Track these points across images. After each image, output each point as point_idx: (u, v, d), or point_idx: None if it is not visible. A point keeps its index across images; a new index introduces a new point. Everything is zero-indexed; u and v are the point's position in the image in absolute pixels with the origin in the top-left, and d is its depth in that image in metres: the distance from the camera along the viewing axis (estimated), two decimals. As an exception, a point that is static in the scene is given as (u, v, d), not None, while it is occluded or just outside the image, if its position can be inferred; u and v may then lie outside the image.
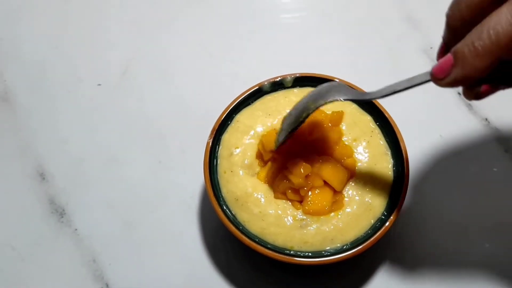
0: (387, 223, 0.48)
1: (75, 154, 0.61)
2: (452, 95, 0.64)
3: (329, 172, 0.49)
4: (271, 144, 0.50)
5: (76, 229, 0.57)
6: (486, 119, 0.62)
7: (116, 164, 0.61)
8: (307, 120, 0.50)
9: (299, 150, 0.50)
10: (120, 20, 0.72)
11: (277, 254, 0.47)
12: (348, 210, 0.50)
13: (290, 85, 0.56)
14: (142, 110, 0.64)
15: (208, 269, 0.55)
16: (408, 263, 0.54)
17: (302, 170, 0.48)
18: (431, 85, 0.64)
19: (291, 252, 0.48)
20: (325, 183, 0.49)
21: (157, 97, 0.65)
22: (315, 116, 0.51)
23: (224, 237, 0.56)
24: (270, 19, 0.72)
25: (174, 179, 0.60)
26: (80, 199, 0.59)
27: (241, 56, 0.68)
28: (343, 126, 0.54)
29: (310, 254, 0.48)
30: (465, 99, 0.61)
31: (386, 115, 0.53)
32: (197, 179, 0.58)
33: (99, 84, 0.66)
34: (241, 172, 0.51)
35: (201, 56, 0.69)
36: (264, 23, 0.71)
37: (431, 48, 0.67)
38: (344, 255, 0.47)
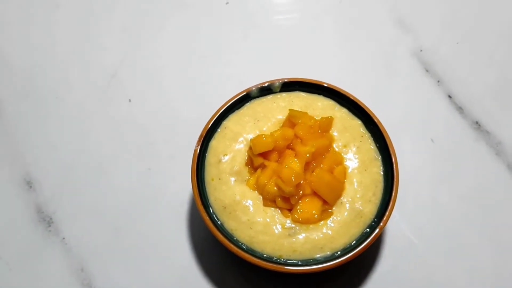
0: (377, 230, 0.48)
1: (64, 161, 0.61)
2: (443, 99, 0.64)
3: (323, 187, 0.48)
4: (261, 148, 0.49)
5: (64, 238, 0.56)
6: (477, 123, 0.62)
7: (105, 171, 0.60)
8: (298, 127, 0.50)
9: (291, 158, 0.50)
10: (109, 25, 0.71)
11: (264, 262, 0.46)
12: (338, 218, 0.49)
13: (278, 90, 0.55)
14: (132, 116, 0.64)
15: (197, 278, 0.54)
16: (399, 270, 0.54)
17: (293, 179, 0.48)
18: (421, 88, 0.65)
19: (280, 260, 0.47)
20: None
21: (147, 103, 0.65)
22: (305, 122, 0.51)
23: (214, 245, 0.55)
24: (261, 24, 0.71)
25: (164, 186, 0.59)
26: (68, 207, 0.58)
27: (231, 61, 0.68)
28: (334, 132, 0.53)
29: (299, 262, 0.47)
30: (456, 102, 0.61)
31: (375, 120, 0.52)
32: (187, 186, 0.57)
33: (88, 92, 0.65)
34: (230, 179, 0.51)
35: (191, 61, 0.68)
36: (255, 28, 0.71)
37: (421, 50, 0.67)
38: (333, 263, 0.46)
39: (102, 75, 0.67)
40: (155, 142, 0.62)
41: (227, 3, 0.72)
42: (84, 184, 0.59)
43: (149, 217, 0.57)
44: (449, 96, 0.64)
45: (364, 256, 0.54)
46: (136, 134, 0.62)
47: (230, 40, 0.70)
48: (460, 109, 0.63)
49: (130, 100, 0.65)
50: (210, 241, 0.55)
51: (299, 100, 0.54)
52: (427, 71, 0.66)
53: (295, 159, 0.49)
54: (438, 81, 0.65)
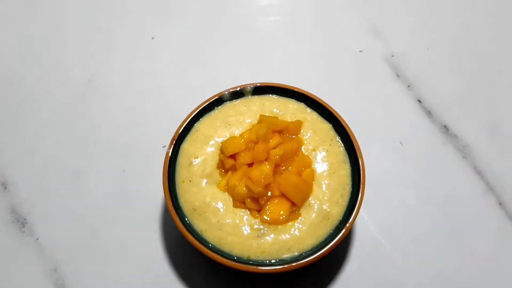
0: (343, 231, 0.49)
1: (39, 163, 0.61)
2: (413, 103, 0.65)
3: (290, 188, 0.49)
4: (232, 149, 0.50)
5: (37, 239, 0.57)
6: (445, 126, 0.63)
7: (80, 173, 0.61)
8: (268, 130, 0.51)
9: (261, 160, 0.51)
10: (86, 30, 0.72)
11: (233, 262, 0.47)
12: (306, 219, 0.50)
13: (250, 94, 0.56)
14: (106, 119, 0.64)
15: (171, 279, 0.55)
16: (367, 269, 0.55)
17: (262, 180, 0.49)
18: (392, 92, 0.66)
19: (248, 261, 0.48)
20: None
21: (122, 106, 0.65)
22: (277, 125, 0.52)
23: (186, 246, 0.56)
24: (237, 29, 0.72)
25: (138, 188, 0.60)
26: (42, 208, 0.59)
27: (205, 66, 0.69)
28: (306, 135, 0.54)
29: (266, 262, 0.48)
30: (425, 106, 0.63)
31: (343, 124, 0.54)
32: (161, 188, 0.57)
33: (64, 94, 0.66)
34: (201, 181, 0.51)
35: (166, 65, 0.69)
36: (229, 33, 0.72)
37: (392, 56, 0.68)
38: (300, 263, 0.47)
39: (78, 78, 0.67)
40: (130, 144, 0.62)
41: (202, 8, 0.73)
42: (59, 186, 0.60)
43: (123, 218, 0.58)
44: (419, 101, 0.65)
45: (332, 256, 0.55)
46: (111, 137, 0.63)
47: (205, 44, 0.70)
48: (429, 113, 0.64)
49: (105, 104, 0.65)
50: (182, 242, 0.56)
51: (271, 103, 0.56)
52: (397, 76, 0.67)
53: (265, 162, 0.50)
54: (408, 86, 0.66)
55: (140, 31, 0.71)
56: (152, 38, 0.71)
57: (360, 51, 0.68)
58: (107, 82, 0.67)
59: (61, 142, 0.63)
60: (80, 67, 0.68)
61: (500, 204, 0.58)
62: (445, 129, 0.63)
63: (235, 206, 0.51)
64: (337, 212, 0.51)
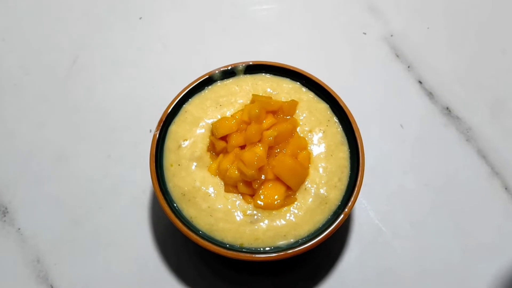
0: (342, 216, 0.46)
1: (21, 149, 0.58)
2: (413, 85, 0.62)
3: (285, 171, 0.47)
4: (223, 131, 0.48)
5: (19, 228, 0.54)
6: (447, 108, 0.61)
7: (64, 159, 0.58)
8: (261, 110, 0.48)
9: (253, 142, 0.48)
10: (69, 9, 0.68)
11: (224, 250, 0.45)
12: (302, 204, 0.47)
13: (242, 73, 0.53)
14: (92, 102, 0.61)
15: (159, 268, 0.52)
16: (366, 257, 0.53)
17: (255, 162, 0.46)
18: (392, 73, 0.64)
19: (241, 248, 0.46)
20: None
21: (108, 88, 0.62)
22: (271, 105, 0.49)
23: (176, 234, 0.53)
24: (229, 8, 0.69)
25: (125, 173, 0.57)
26: (24, 196, 0.56)
27: (196, 46, 0.66)
28: (301, 116, 0.51)
29: (260, 249, 0.46)
30: (426, 88, 0.60)
31: (341, 103, 0.51)
32: (149, 173, 0.54)
33: (47, 78, 0.63)
34: (190, 165, 0.49)
35: (155, 46, 0.66)
36: (221, 12, 0.69)
37: (391, 36, 0.66)
38: (296, 250, 0.45)
39: (63, 61, 0.64)
40: (115, 128, 0.60)
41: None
42: (41, 173, 0.57)
43: (109, 206, 0.55)
44: (419, 82, 0.63)
45: (330, 243, 0.53)
46: (96, 121, 0.60)
47: (196, 24, 0.67)
48: (430, 94, 0.62)
49: (90, 85, 0.62)
50: (172, 230, 0.53)
51: (264, 82, 0.53)
52: (397, 56, 0.65)
53: (258, 144, 0.48)
54: (409, 67, 0.64)
55: (128, 11, 0.68)
56: (140, 18, 0.68)
57: (364, 33, 0.65)
58: (93, 64, 0.64)
59: (44, 126, 0.60)
60: (65, 49, 0.65)
61: (506, 188, 0.56)
62: (447, 110, 0.61)
63: (226, 190, 0.48)
64: (335, 196, 0.48)
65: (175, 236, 0.53)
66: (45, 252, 0.53)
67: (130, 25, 0.67)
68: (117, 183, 0.56)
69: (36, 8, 0.69)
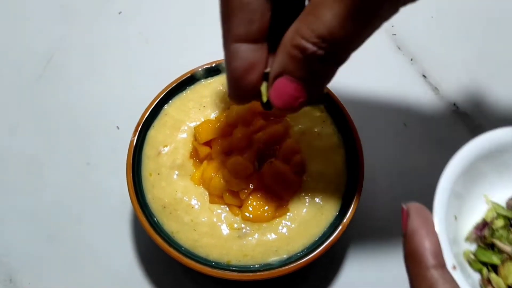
0: (340, 228, 0.42)
1: (-11, 157, 0.54)
2: (417, 79, 0.58)
3: (276, 179, 0.43)
4: (206, 135, 0.44)
5: (-11, 245, 0.50)
6: (455, 104, 0.57)
7: (37, 167, 0.54)
8: (249, 112, 0.45)
9: (240, 147, 0.44)
10: (43, 4, 0.64)
11: (209, 269, 0.41)
12: (295, 215, 0.43)
13: (228, 71, 0.49)
14: (68, 105, 0.57)
15: (142, 284, 0.48)
16: (367, 273, 0.49)
17: (243, 170, 0.43)
18: (393, 67, 0.60)
19: (228, 266, 0.41)
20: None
21: (85, 90, 0.58)
22: (257, 107, 0.45)
23: (157, 248, 0.49)
24: (211, 0, 0.65)
25: (104, 183, 0.53)
26: (-6, 209, 0.52)
27: (178, 44, 0.61)
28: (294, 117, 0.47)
29: (250, 267, 0.42)
30: (431, 82, 0.56)
31: (337, 102, 0.47)
32: None
33: (18, 78, 0.59)
34: (171, 174, 0.45)
35: (134, 43, 0.61)
36: (205, 5, 0.64)
37: (392, 26, 0.61)
38: (289, 267, 0.41)
39: (36, 60, 0.60)
40: (94, 133, 0.56)
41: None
42: (13, 183, 0.53)
43: (87, 218, 0.52)
44: (424, 76, 0.59)
45: (326, 258, 0.49)
46: (73, 125, 0.56)
47: (179, 19, 0.63)
48: (435, 89, 0.58)
49: (66, 87, 0.59)
50: (154, 245, 0.49)
51: (251, 81, 0.48)
52: (399, 48, 0.61)
53: (246, 149, 0.44)
54: (411, 60, 0.60)
55: (106, 5, 0.64)
56: (119, 13, 0.63)
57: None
58: (68, 63, 0.60)
59: (15, 131, 0.56)
60: (38, 47, 0.61)
61: (520, 191, 0.51)
62: (455, 107, 0.56)
63: (211, 202, 0.44)
64: (332, 205, 0.44)
65: (158, 252, 0.49)
66: (18, 270, 0.49)
67: (109, 20, 0.63)
68: (96, 193, 0.53)
69: (6, 2, 0.64)
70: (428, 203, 0.50)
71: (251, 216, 0.43)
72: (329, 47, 0.28)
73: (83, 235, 0.51)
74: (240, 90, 0.33)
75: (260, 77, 0.32)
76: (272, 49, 0.32)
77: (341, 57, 0.29)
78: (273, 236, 0.42)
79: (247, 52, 0.32)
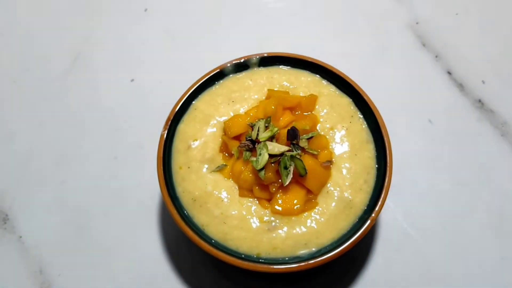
0: (368, 222, 0.42)
1: (21, 151, 0.55)
2: (442, 76, 0.58)
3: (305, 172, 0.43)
4: (236, 130, 0.44)
5: (20, 236, 0.51)
6: (480, 101, 0.56)
7: (67, 161, 0.55)
8: (278, 107, 0.45)
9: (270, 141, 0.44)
10: (70, 2, 0.65)
11: (239, 261, 0.41)
12: (324, 209, 0.43)
13: (256, 66, 0.49)
14: (96, 100, 0.58)
15: (170, 278, 0.49)
16: (394, 265, 0.49)
17: (272, 163, 0.43)
18: (418, 64, 0.59)
19: (258, 259, 0.42)
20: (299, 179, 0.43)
21: (113, 85, 0.59)
22: (288, 101, 0.46)
23: (186, 242, 0.49)
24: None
25: (132, 177, 0.54)
26: (25, 202, 0.53)
27: (207, 40, 0.62)
28: (322, 112, 0.47)
29: (279, 259, 0.42)
30: (456, 79, 0.56)
31: (366, 97, 0.47)
32: (157, 176, 0.52)
33: (48, 75, 0.60)
34: (201, 167, 0.45)
35: (161, 39, 0.62)
36: (230, 1, 0.65)
37: (417, 23, 0.61)
38: (319, 261, 0.41)
39: (64, 56, 0.61)
40: (122, 128, 0.56)
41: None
42: (43, 176, 0.54)
43: (115, 211, 0.52)
44: (449, 73, 0.59)
45: (354, 251, 0.48)
46: (101, 120, 0.57)
47: (205, 15, 0.64)
48: (460, 86, 0.58)
49: (94, 83, 0.59)
50: (183, 238, 0.50)
51: (280, 76, 0.49)
52: (424, 45, 0.61)
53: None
54: (436, 56, 0.60)
55: (132, 2, 0.65)
56: (145, 10, 0.64)
57: (387, 21, 0.61)
58: (96, 59, 0.61)
59: (44, 126, 0.57)
60: (65, 44, 0.62)
61: (548, 187, 0.51)
62: (480, 103, 0.56)
63: (241, 195, 0.44)
64: (361, 200, 0.44)
65: (188, 245, 0.49)
66: (49, 262, 0.50)
67: (135, 17, 0.64)
68: (124, 187, 0.53)
69: (36, 1, 0.65)
70: (453, 198, 0.51)
71: (280, 209, 0.43)
72: None
73: (112, 228, 0.51)
74: None
75: None
76: None
77: None
78: (303, 229, 0.43)
79: None
